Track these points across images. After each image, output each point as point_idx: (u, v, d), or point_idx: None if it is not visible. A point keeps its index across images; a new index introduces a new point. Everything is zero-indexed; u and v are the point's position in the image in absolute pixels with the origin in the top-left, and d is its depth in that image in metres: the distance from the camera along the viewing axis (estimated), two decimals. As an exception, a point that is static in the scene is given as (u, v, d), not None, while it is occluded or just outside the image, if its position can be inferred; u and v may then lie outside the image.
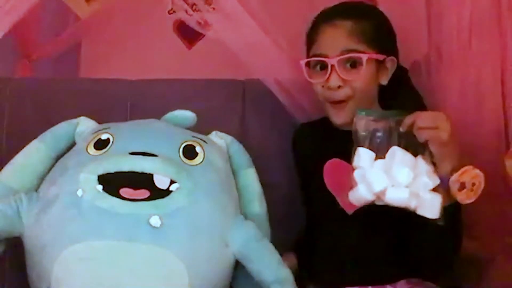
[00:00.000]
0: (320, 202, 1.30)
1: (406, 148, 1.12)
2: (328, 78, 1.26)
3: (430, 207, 1.10)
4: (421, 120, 1.11)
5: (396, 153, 1.11)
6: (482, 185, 1.12)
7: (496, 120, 1.33)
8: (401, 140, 1.14)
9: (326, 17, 1.31)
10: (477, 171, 1.11)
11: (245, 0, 1.43)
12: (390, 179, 1.10)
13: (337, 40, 1.27)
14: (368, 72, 1.27)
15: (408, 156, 1.11)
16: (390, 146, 1.13)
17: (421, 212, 1.10)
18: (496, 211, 1.33)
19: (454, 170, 1.10)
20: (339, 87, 1.26)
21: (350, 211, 1.22)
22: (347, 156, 1.20)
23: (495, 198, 1.30)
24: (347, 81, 1.26)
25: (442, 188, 1.11)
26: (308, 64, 1.31)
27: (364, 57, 1.25)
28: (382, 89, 1.34)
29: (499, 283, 1.32)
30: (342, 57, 1.25)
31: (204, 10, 1.45)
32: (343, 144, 1.19)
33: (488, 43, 1.33)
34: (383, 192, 1.10)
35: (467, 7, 1.32)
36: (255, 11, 1.44)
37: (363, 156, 1.14)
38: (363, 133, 1.16)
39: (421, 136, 1.10)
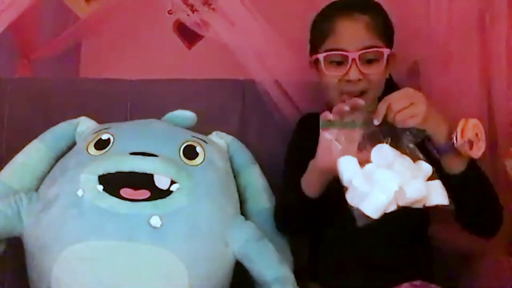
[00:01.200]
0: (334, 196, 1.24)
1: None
2: (348, 71, 1.26)
3: (440, 194, 1.06)
4: (396, 103, 1.11)
5: (385, 149, 1.07)
6: (483, 130, 1.12)
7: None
8: (380, 136, 1.11)
9: (342, 10, 1.30)
10: (473, 120, 1.12)
11: (244, 1, 1.43)
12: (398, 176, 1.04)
13: (357, 34, 1.27)
14: (383, 67, 1.28)
15: (394, 150, 1.08)
16: (369, 146, 1.09)
17: (433, 202, 1.05)
18: None
19: (450, 131, 1.12)
20: (359, 80, 1.26)
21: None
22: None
23: None
24: (365, 74, 1.26)
25: (451, 154, 1.12)
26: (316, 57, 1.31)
27: (386, 52, 1.27)
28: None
29: (493, 279, 1.33)
30: (364, 51, 1.25)
31: (203, 11, 1.45)
32: None
33: (468, 48, 1.36)
34: (401, 191, 1.03)
35: (448, 12, 1.36)
36: (253, 12, 1.45)
37: (348, 165, 1.07)
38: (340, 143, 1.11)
39: (402, 118, 1.10)
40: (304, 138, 1.27)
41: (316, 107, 1.38)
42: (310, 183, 1.22)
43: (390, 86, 1.36)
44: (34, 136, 1.37)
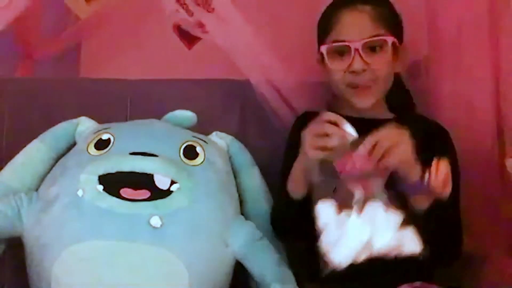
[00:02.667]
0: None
1: None
2: (351, 62, 1.25)
3: (412, 242, 1.04)
4: (384, 141, 1.06)
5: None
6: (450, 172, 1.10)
7: (488, 121, 1.34)
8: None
9: (345, 2, 1.30)
10: (444, 161, 1.09)
11: (240, 3, 1.43)
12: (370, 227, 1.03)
13: (360, 25, 1.26)
14: (389, 57, 1.27)
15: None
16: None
17: (406, 251, 1.03)
18: (490, 209, 1.36)
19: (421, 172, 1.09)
20: (364, 70, 1.25)
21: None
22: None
23: (489, 197, 1.34)
24: (370, 65, 1.25)
25: (421, 193, 1.10)
26: (326, 53, 1.29)
27: (390, 40, 1.25)
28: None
29: (495, 279, 1.33)
30: (367, 40, 1.24)
31: (198, 13, 1.45)
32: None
33: (479, 46, 1.34)
34: (370, 243, 1.02)
35: (457, 10, 1.34)
36: (249, 13, 1.45)
37: (326, 210, 1.05)
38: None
39: (394, 160, 1.06)
40: (300, 138, 1.24)
41: (313, 108, 1.37)
42: (295, 183, 1.20)
43: (398, 86, 1.37)
44: (34, 136, 1.37)
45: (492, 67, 1.34)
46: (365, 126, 1.28)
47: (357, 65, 1.24)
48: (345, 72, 1.27)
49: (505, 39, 1.32)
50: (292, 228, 1.28)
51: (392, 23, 1.29)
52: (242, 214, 1.34)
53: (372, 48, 1.26)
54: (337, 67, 1.28)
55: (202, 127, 1.41)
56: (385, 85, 1.30)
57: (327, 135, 1.09)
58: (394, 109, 1.38)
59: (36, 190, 1.28)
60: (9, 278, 1.40)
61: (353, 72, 1.25)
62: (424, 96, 1.42)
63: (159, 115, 1.42)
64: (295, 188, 1.20)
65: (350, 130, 1.09)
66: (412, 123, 1.29)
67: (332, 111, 1.33)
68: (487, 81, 1.35)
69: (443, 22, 1.37)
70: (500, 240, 1.37)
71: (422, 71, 1.44)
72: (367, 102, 1.29)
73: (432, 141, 1.27)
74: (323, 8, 1.35)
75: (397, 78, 1.38)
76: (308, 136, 1.13)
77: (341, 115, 1.29)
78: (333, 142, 1.09)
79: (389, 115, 1.36)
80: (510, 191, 1.34)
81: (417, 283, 1.20)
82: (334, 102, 1.38)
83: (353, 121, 1.27)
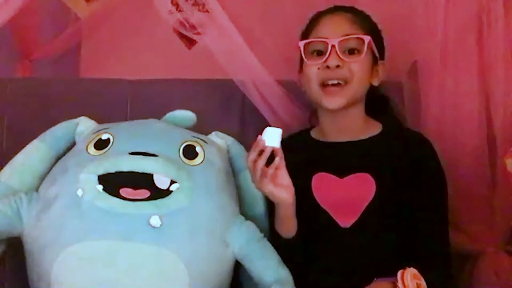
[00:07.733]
0: (312, 215, 1.28)
1: None
2: (327, 58, 1.27)
3: None
4: None
5: None
6: (423, 279, 1.10)
7: (475, 122, 1.36)
8: None
9: (326, 11, 1.34)
10: (411, 270, 1.10)
11: (234, 9, 1.45)
12: None
13: (338, 25, 1.30)
14: (366, 61, 1.29)
15: None
16: None
17: None
18: (483, 206, 1.37)
19: None
20: (338, 66, 1.26)
21: (346, 225, 1.25)
22: (331, 168, 1.26)
23: (481, 195, 1.36)
24: (346, 63, 1.27)
25: None
26: (305, 51, 1.31)
27: (366, 39, 1.27)
28: (369, 99, 1.36)
29: (490, 276, 1.34)
30: (344, 38, 1.27)
31: (194, 15, 1.45)
32: (325, 156, 1.19)
33: (466, 50, 1.37)
34: None
35: (447, 15, 1.36)
36: (242, 19, 1.46)
37: None
38: None
39: None
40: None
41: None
42: (285, 225, 1.25)
43: (374, 99, 1.38)
44: (34, 136, 1.37)
45: (479, 69, 1.37)
46: (351, 148, 1.31)
47: (332, 60, 1.26)
48: (319, 68, 1.28)
49: (492, 41, 1.35)
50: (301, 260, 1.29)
51: (373, 32, 1.32)
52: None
53: (350, 50, 1.28)
54: (313, 62, 1.29)
55: (202, 127, 1.41)
56: (357, 89, 1.30)
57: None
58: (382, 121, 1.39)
59: (36, 190, 1.28)
60: (9, 278, 1.41)
61: (327, 68, 1.27)
62: (414, 96, 1.44)
63: (159, 115, 1.42)
64: (284, 230, 1.25)
65: (270, 142, 1.16)
66: (396, 136, 1.31)
67: (317, 139, 1.36)
68: (474, 80, 1.37)
69: (432, 25, 1.38)
70: (497, 239, 1.38)
71: (418, 71, 1.44)
72: (336, 102, 1.28)
73: (414, 153, 1.28)
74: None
75: (389, 109, 1.41)
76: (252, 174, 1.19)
77: (325, 141, 1.32)
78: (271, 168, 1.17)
79: (375, 131, 1.36)
80: (502, 189, 1.34)
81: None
82: (319, 130, 1.39)
83: (339, 146, 1.30)
